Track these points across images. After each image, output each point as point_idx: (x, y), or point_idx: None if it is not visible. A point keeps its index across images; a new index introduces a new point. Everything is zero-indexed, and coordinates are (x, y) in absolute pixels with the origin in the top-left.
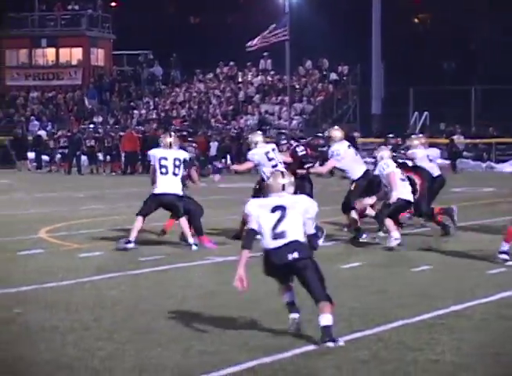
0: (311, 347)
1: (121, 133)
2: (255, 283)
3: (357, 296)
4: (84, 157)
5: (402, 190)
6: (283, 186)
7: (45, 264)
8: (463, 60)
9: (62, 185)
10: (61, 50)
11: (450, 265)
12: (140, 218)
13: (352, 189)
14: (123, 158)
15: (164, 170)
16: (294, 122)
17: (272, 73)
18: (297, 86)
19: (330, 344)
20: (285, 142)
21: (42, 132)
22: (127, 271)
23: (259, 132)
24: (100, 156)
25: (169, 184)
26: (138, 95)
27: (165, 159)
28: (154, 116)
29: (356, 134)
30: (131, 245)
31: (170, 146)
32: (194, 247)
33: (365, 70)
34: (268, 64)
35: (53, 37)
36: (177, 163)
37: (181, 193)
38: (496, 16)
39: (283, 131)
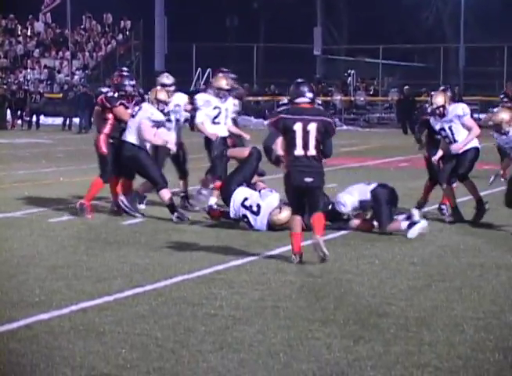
0: (89, 303)
1: None
2: (45, 242)
3: (139, 252)
4: None
5: None
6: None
7: None
8: (246, 18)
9: None
10: None
11: (231, 223)
12: None
13: None
14: None
15: None
16: (76, 77)
17: (52, 26)
18: (79, 40)
19: None
20: None
21: None
22: None
23: None
24: None
25: None
26: None
27: None
28: None
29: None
30: None
31: None
32: None
33: (147, 25)
34: (48, 18)
35: None
36: None
37: None
38: None
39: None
